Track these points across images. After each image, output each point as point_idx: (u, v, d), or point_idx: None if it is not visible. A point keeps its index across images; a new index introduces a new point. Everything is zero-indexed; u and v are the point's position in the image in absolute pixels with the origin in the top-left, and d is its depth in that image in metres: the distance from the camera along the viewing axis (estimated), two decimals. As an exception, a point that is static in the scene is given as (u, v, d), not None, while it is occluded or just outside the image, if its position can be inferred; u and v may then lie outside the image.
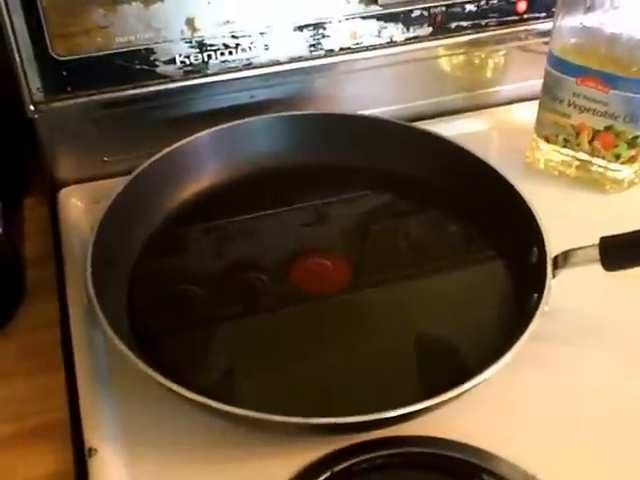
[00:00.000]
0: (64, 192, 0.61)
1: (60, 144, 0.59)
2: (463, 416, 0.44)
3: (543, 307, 0.46)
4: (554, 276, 0.48)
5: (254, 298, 0.53)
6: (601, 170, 0.62)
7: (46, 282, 0.55)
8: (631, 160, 0.60)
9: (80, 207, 0.60)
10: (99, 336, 0.49)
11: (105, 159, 0.62)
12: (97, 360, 0.48)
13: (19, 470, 0.43)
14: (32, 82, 0.55)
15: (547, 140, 0.63)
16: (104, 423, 0.44)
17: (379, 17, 0.61)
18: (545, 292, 0.46)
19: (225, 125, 0.59)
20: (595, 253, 0.47)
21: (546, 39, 0.63)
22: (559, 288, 0.48)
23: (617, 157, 0.60)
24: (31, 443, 0.44)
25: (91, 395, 0.46)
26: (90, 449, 0.42)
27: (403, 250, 0.58)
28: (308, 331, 0.51)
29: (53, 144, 0.59)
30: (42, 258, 0.57)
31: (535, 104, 0.64)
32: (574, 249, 0.48)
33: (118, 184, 0.55)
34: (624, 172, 0.61)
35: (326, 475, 0.41)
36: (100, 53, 0.55)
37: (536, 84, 0.63)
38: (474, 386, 0.42)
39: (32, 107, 0.56)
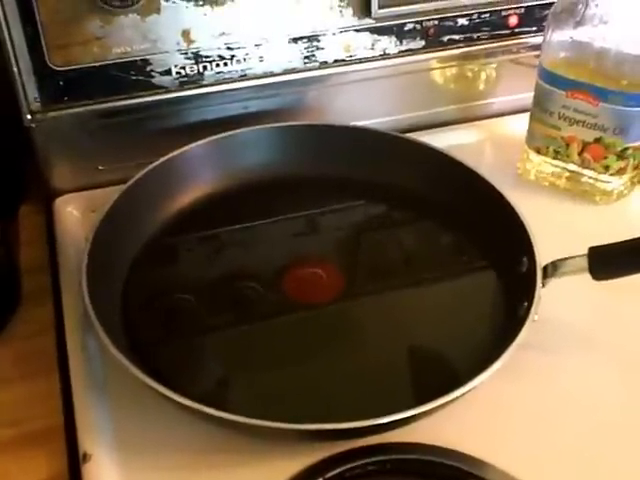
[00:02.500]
0: (60, 201, 0.61)
1: (56, 153, 0.60)
2: (454, 423, 0.44)
3: (533, 316, 0.46)
4: (544, 285, 0.48)
5: (248, 307, 0.53)
6: (591, 181, 0.63)
7: (41, 289, 0.55)
8: (620, 172, 0.61)
9: (76, 216, 0.60)
10: (94, 343, 0.49)
11: (100, 168, 0.62)
12: (92, 366, 0.48)
13: (14, 475, 0.43)
14: (29, 92, 0.55)
15: (538, 152, 0.64)
16: (98, 429, 0.44)
17: (372, 30, 0.62)
18: (535, 301, 0.47)
19: (220, 135, 0.59)
20: (584, 263, 0.48)
21: (537, 53, 0.64)
22: (548, 297, 0.48)
23: (606, 169, 0.61)
24: (26, 448, 0.45)
25: (86, 401, 0.46)
26: (84, 454, 0.43)
27: (395, 260, 0.58)
28: (301, 339, 0.51)
29: (49, 153, 0.60)
30: (37, 266, 0.57)
31: (526, 116, 0.65)
32: (563, 259, 0.49)
33: (113, 193, 0.55)
34: (613, 183, 0.62)
35: (319, 481, 0.42)
36: (97, 64, 0.56)
37: (527, 97, 0.64)
38: (464, 393, 0.42)
39: (29, 116, 0.56)
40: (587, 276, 0.48)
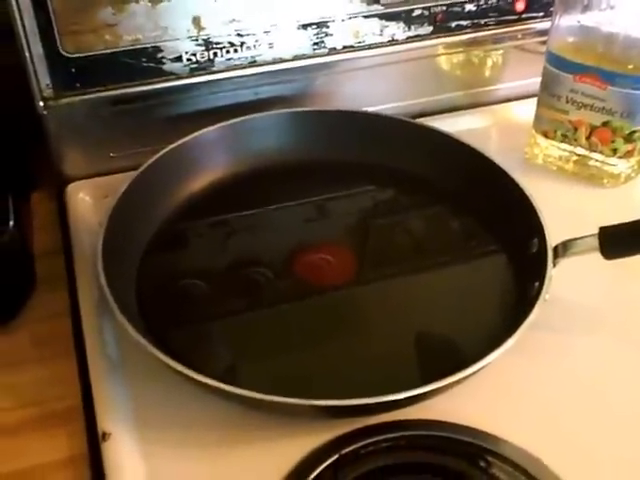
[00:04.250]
0: (72, 187, 0.62)
1: (68, 140, 0.60)
2: (467, 400, 0.45)
3: (544, 295, 0.47)
4: (554, 265, 0.49)
5: (262, 290, 0.53)
6: (598, 165, 0.63)
7: (55, 274, 0.56)
8: (628, 155, 0.62)
9: (88, 202, 0.61)
10: (109, 324, 0.50)
11: (111, 155, 0.63)
12: (108, 347, 0.49)
13: (35, 455, 0.44)
14: (42, 79, 0.56)
15: (545, 136, 0.64)
16: (117, 408, 0.45)
17: (381, 16, 0.63)
18: (546, 280, 0.47)
19: (231, 121, 0.60)
20: (595, 242, 0.48)
21: (544, 38, 0.64)
22: (559, 278, 0.49)
23: (614, 152, 0.62)
24: (46, 429, 0.45)
25: (103, 381, 0.46)
26: (104, 433, 0.43)
27: (407, 243, 0.59)
28: (315, 322, 0.52)
29: (61, 140, 0.60)
30: (50, 251, 0.58)
31: (532, 102, 0.65)
32: (574, 239, 0.50)
33: (125, 179, 0.55)
34: (621, 166, 0.63)
35: (334, 457, 0.42)
36: (108, 50, 0.56)
37: (534, 82, 0.64)
38: (477, 371, 0.43)
39: (41, 103, 0.57)
40: (597, 256, 0.49)
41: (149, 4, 0.55)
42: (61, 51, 0.55)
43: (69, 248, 0.57)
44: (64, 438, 0.45)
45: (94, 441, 0.44)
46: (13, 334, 0.51)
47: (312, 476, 0.41)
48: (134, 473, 0.42)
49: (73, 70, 0.56)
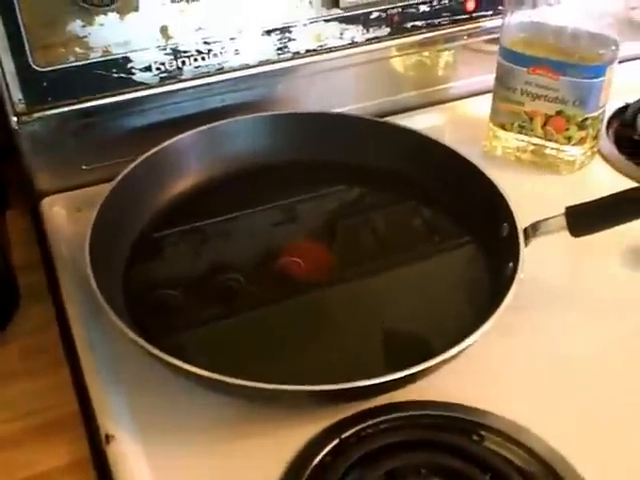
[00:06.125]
0: (46, 201, 0.62)
1: (41, 154, 0.61)
2: (455, 380, 0.47)
3: (519, 274, 0.49)
4: (526, 245, 0.52)
5: (249, 290, 0.55)
6: (554, 153, 0.66)
7: (37, 287, 0.56)
8: (581, 142, 0.65)
9: (63, 215, 0.61)
10: (98, 329, 0.50)
11: (84, 167, 0.63)
12: (100, 351, 0.49)
13: (39, 463, 0.44)
14: (14, 94, 0.56)
15: (503, 128, 0.67)
16: (116, 410, 0.46)
17: (341, 19, 0.65)
18: (520, 260, 0.50)
19: (203, 127, 0.61)
20: (562, 222, 0.51)
21: (495, 35, 0.68)
22: (529, 259, 0.51)
23: (569, 139, 0.65)
24: (47, 437, 0.46)
25: (99, 385, 0.47)
26: (107, 436, 0.44)
27: (381, 239, 0.61)
28: (310, 317, 0.53)
29: (34, 154, 0.60)
30: (30, 265, 0.58)
31: (486, 97, 0.69)
32: (542, 220, 0.52)
33: (98, 191, 0.56)
34: (575, 153, 0.66)
35: (335, 442, 0.44)
36: (79, 63, 0.57)
37: (487, 79, 0.68)
38: (464, 349, 0.45)
39: (15, 118, 0.57)
40: (564, 235, 0.52)
41: (117, 15, 0.56)
42: (33, 65, 0.55)
43: (49, 261, 0.57)
44: (65, 444, 0.45)
45: (96, 444, 0.44)
46: (1, 349, 0.51)
47: (316, 460, 0.43)
48: (140, 472, 0.43)
49: (45, 84, 0.57)
